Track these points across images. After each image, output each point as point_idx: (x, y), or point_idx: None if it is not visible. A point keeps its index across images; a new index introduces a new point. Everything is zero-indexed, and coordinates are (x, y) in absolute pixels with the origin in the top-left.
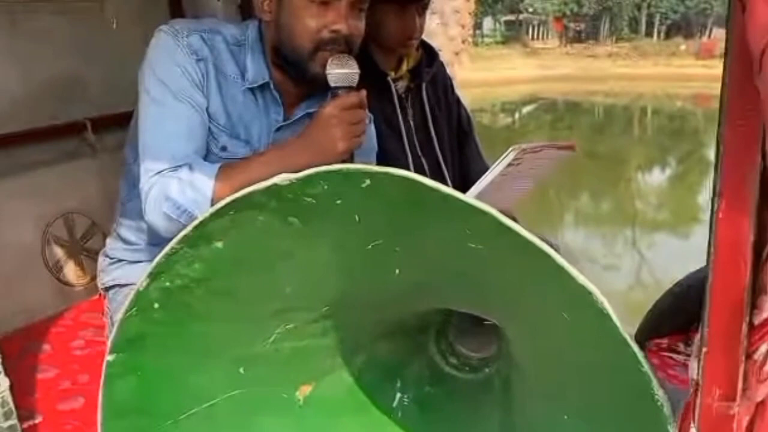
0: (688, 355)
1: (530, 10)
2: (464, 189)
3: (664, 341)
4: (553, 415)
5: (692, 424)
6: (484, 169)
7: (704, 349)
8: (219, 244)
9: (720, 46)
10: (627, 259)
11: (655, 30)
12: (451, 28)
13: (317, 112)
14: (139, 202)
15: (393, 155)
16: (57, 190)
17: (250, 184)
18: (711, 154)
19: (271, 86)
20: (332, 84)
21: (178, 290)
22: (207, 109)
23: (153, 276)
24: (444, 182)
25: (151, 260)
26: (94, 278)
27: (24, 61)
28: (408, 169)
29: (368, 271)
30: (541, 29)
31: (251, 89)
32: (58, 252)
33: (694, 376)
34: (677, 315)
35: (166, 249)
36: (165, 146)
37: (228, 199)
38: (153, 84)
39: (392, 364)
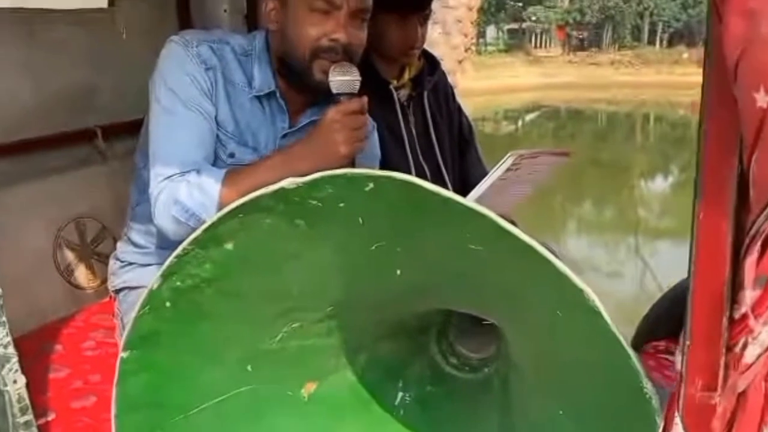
0: None
1: (533, 18)
2: (464, 193)
3: (661, 344)
4: (550, 411)
5: (677, 413)
6: (485, 174)
7: (687, 342)
8: (229, 246)
9: None
10: (630, 267)
11: (658, 38)
12: (453, 37)
13: (320, 119)
14: (148, 207)
15: (395, 161)
16: (68, 195)
17: (256, 188)
18: None
19: (277, 94)
20: (334, 91)
21: (189, 290)
22: (215, 117)
23: (165, 276)
24: (445, 187)
25: (160, 263)
26: (104, 281)
27: (40, 71)
28: (410, 174)
29: (371, 272)
30: (543, 37)
31: (258, 97)
32: (70, 256)
33: (679, 368)
34: (673, 318)
35: (178, 250)
36: (174, 152)
37: (237, 203)
38: (163, 93)
39: (394, 363)
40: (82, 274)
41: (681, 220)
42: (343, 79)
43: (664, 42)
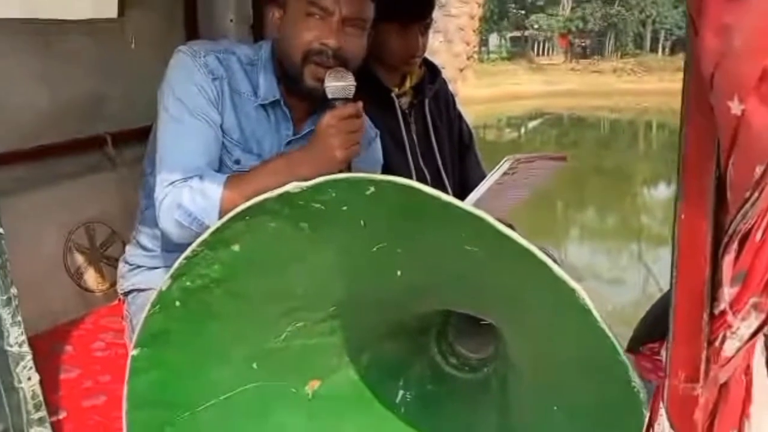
0: None
1: (536, 26)
2: (464, 197)
3: (656, 345)
4: (545, 407)
5: (662, 404)
6: (483, 179)
7: (671, 337)
8: (236, 248)
9: None
10: (633, 273)
11: (660, 46)
12: (455, 45)
13: (317, 124)
14: (155, 211)
15: (397, 166)
16: (79, 200)
17: (256, 192)
18: None
19: (282, 103)
20: (330, 96)
21: (198, 290)
22: (221, 125)
23: (175, 277)
24: (445, 191)
25: (167, 266)
26: (113, 284)
27: (54, 81)
28: (411, 178)
29: (372, 273)
30: (546, 45)
31: (263, 106)
32: (80, 259)
33: (665, 362)
34: (668, 321)
35: (187, 252)
36: (180, 159)
37: (244, 206)
38: (171, 101)
39: (395, 363)
40: (91, 278)
41: None
42: (337, 84)
43: (667, 50)
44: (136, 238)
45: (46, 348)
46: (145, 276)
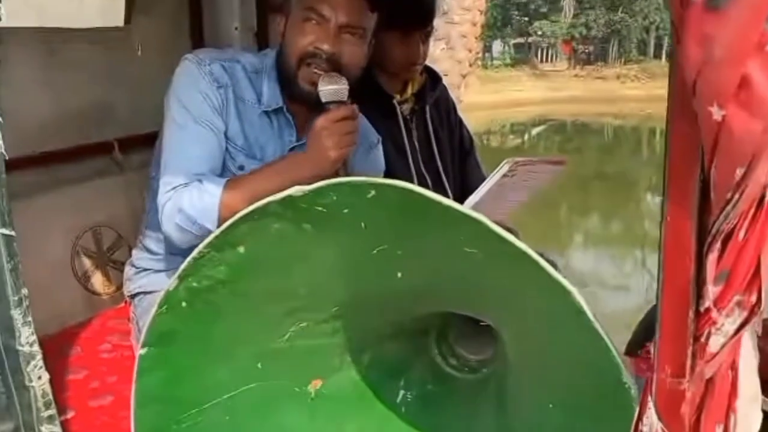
0: None
1: (539, 33)
2: (464, 201)
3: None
4: (542, 405)
5: (650, 398)
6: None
7: (658, 333)
8: (241, 249)
9: None
10: (637, 280)
11: (664, 52)
12: (458, 52)
13: (312, 127)
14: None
15: (399, 172)
16: (86, 205)
17: (254, 194)
18: None
19: (285, 110)
20: (323, 100)
21: (204, 290)
22: (226, 132)
23: (182, 277)
24: (446, 196)
25: (172, 269)
26: (119, 288)
27: (63, 88)
28: (412, 183)
29: (373, 274)
30: (550, 52)
31: (267, 113)
32: (87, 263)
33: (653, 358)
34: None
35: (194, 253)
36: (182, 165)
37: (249, 209)
38: (177, 109)
39: (396, 363)
40: (98, 281)
41: None
42: (330, 88)
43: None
44: (142, 242)
45: (55, 349)
46: (151, 279)
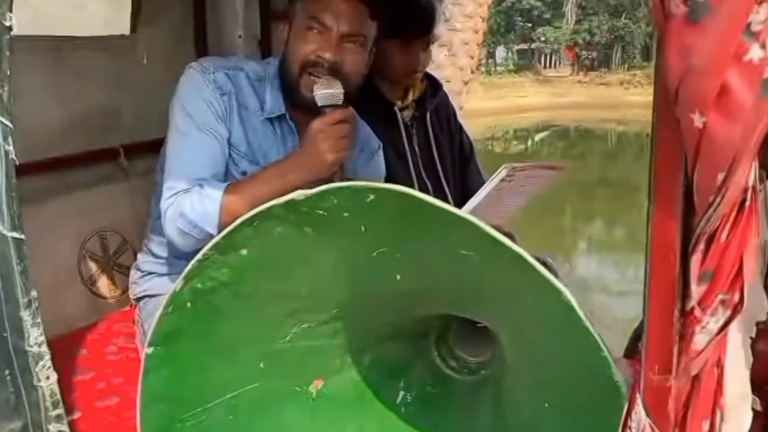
0: None
1: (542, 39)
2: (463, 206)
3: None
4: (537, 405)
5: (638, 394)
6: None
7: (645, 331)
8: (244, 252)
9: None
10: (640, 286)
11: None
12: (460, 59)
13: (307, 130)
14: None
15: (399, 177)
16: (93, 210)
17: (254, 198)
18: None
19: (287, 117)
20: (320, 104)
21: (208, 292)
22: (229, 138)
23: (187, 279)
24: (446, 201)
25: (176, 272)
26: (124, 291)
27: (69, 95)
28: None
29: (373, 276)
30: (553, 58)
31: (270, 120)
32: (93, 267)
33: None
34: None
35: (199, 255)
36: (185, 171)
37: (252, 212)
38: (180, 116)
39: (397, 365)
40: (104, 285)
41: None
42: (326, 92)
43: None
44: (147, 246)
45: (62, 351)
46: (155, 282)
